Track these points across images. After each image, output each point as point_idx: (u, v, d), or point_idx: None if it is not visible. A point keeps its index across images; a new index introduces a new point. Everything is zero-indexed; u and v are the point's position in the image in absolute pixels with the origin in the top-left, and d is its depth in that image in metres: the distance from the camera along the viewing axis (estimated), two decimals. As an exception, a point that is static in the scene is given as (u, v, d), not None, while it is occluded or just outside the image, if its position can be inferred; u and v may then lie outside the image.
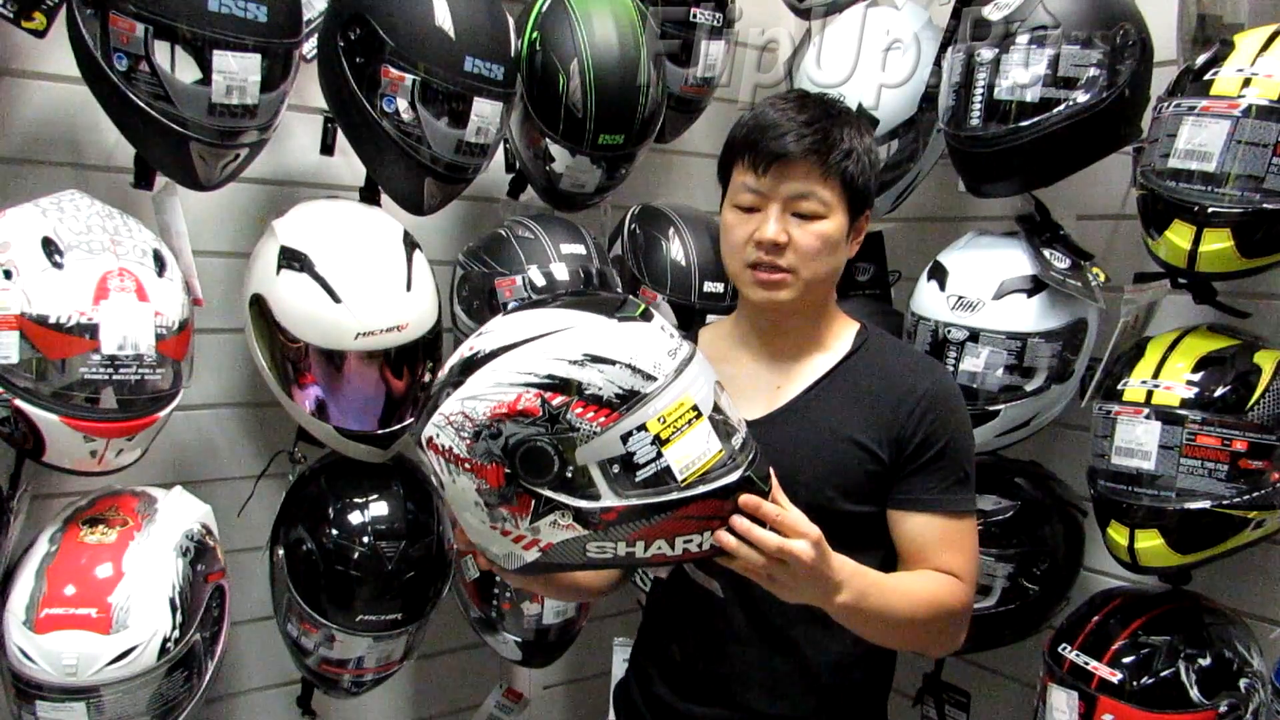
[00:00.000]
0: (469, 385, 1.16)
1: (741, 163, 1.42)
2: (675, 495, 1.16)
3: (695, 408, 1.16)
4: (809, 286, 1.43)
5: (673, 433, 1.15)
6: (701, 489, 1.16)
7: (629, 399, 1.13)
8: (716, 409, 1.19)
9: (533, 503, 1.17)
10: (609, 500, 1.15)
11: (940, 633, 1.43)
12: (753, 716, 1.47)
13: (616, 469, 1.15)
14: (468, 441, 1.16)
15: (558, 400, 1.13)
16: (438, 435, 1.18)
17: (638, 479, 1.15)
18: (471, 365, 1.18)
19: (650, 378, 1.15)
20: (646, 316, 1.21)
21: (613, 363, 1.14)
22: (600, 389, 1.13)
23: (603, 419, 1.13)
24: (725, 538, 1.18)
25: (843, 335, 1.51)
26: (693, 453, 1.16)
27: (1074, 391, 1.88)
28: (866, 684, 1.52)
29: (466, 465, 1.18)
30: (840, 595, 1.26)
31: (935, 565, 1.41)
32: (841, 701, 1.49)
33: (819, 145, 1.38)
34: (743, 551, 1.18)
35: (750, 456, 1.20)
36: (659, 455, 1.15)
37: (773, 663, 1.46)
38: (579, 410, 1.13)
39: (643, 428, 1.14)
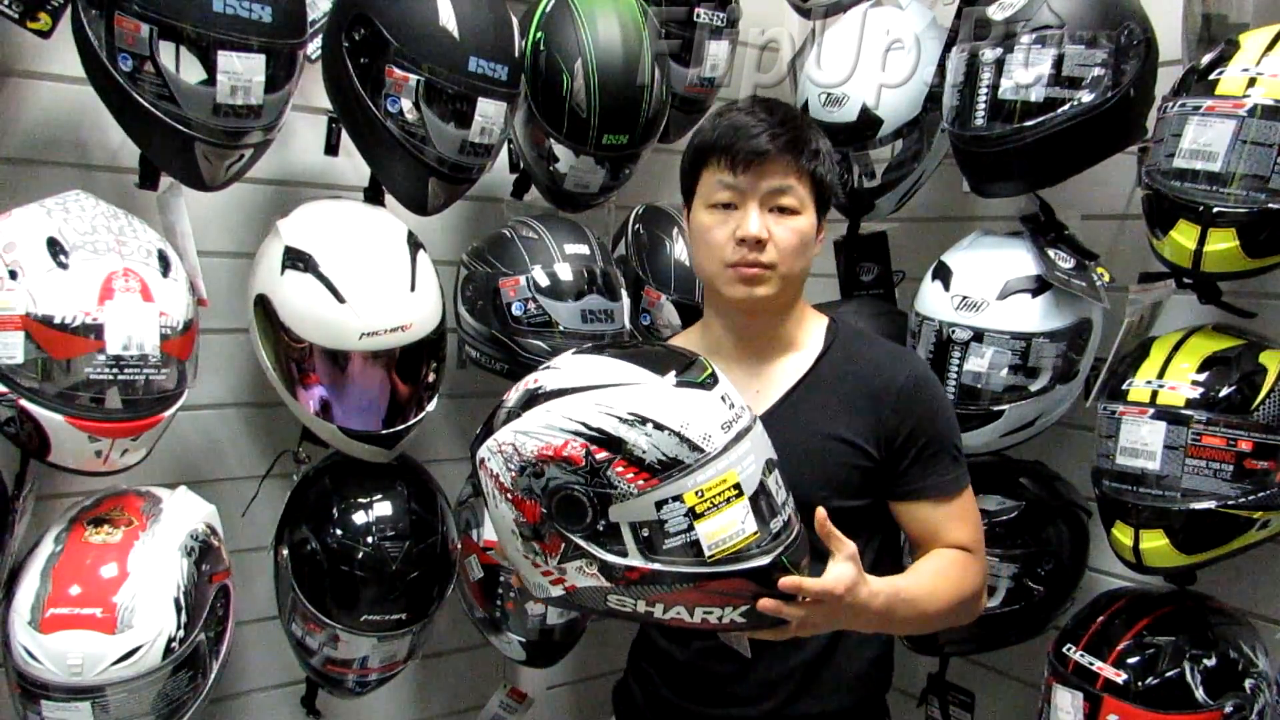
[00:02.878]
0: (524, 419, 1.18)
1: (716, 163, 1.45)
2: (700, 569, 1.16)
3: (738, 485, 1.15)
4: (786, 282, 1.45)
5: (708, 508, 1.14)
6: (728, 567, 1.16)
7: (670, 467, 1.13)
8: (762, 488, 1.18)
9: (562, 545, 1.18)
10: (634, 560, 1.16)
11: (965, 610, 1.47)
12: (757, 715, 1.48)
13: (646, 532, 1.15)
14: (512, 474, 1.18)
15: (602, 455, 1.13)
16: (489, 459, 1.20)
17: (665, 546, 1.15)
18: (532, 399, 1.19)
19: (697, 449, 1.14)
20: (710, 383, 1.20)
21: (662, 428, 1.14)
22: (644, 452, 1.13)
23: (641, 482, 1.13)
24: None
25: (813, 333, 1.54)
26: (726, 530, 1.15)
27: (1079, 392, 1.87)
28: (869, 679, 1.53)
29: (508, 495, 1.19)
30: (871, 621, 1.31)
31: (947, 542, 1.47)
32: (844, 696, 1.50)
33: (793, 144, 1.42)
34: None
35: (789, 541, 1.20)
36: (690, 528, 1.14)
37: (776, 661, 1.46)
38: (620, 469, 1.13)
39: (679, 498, 1.14)
